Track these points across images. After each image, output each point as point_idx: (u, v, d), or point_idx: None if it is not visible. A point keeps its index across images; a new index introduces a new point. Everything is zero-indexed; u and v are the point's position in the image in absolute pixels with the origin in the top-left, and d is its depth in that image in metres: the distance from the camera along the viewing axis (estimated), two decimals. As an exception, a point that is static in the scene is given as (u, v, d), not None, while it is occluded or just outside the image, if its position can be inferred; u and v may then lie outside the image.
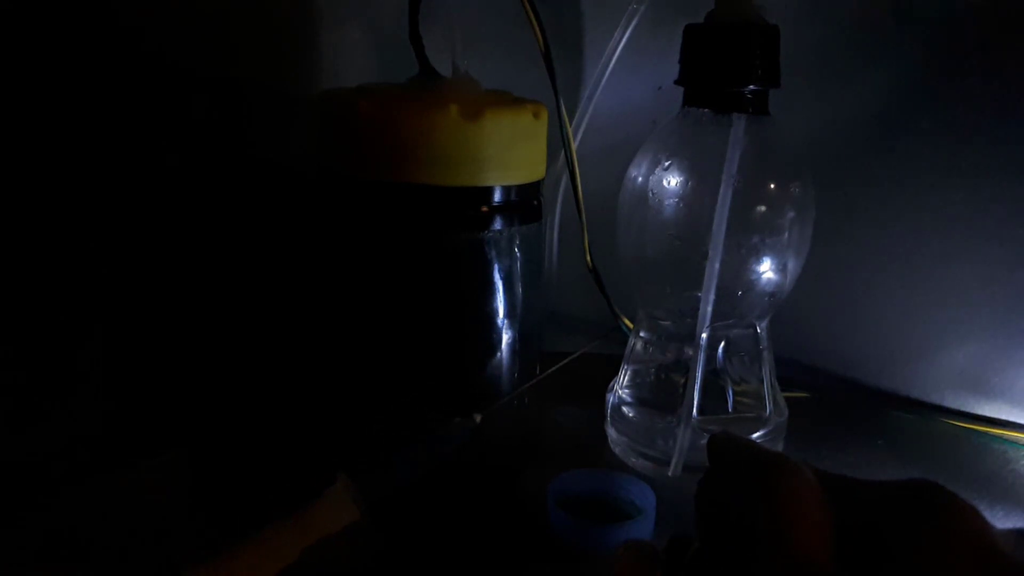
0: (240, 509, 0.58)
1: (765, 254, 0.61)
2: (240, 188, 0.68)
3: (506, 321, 0.59)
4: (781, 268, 0.62)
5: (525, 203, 0.58)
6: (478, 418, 0.53)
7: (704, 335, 0.61)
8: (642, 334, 0.69)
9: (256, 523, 0.46)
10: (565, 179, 0.71)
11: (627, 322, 0.76)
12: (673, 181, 0.62)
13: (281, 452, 0.64)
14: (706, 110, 0.61)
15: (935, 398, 0.75)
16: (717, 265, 0.59)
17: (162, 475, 0.62)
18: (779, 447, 0.65)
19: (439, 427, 0.52)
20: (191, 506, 0.59)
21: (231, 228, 0.68)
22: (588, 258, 0.73)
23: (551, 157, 0.62)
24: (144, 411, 0.65)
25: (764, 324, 0.66)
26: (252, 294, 0.70)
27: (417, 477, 0.50)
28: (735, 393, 0.65)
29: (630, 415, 0.68)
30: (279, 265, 0.71)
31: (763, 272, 0.62)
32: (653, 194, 0.63)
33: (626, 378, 0.69)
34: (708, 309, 0.60)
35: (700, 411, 0.62)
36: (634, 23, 0.71)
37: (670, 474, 0.63)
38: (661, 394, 0.66)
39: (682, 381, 0.64)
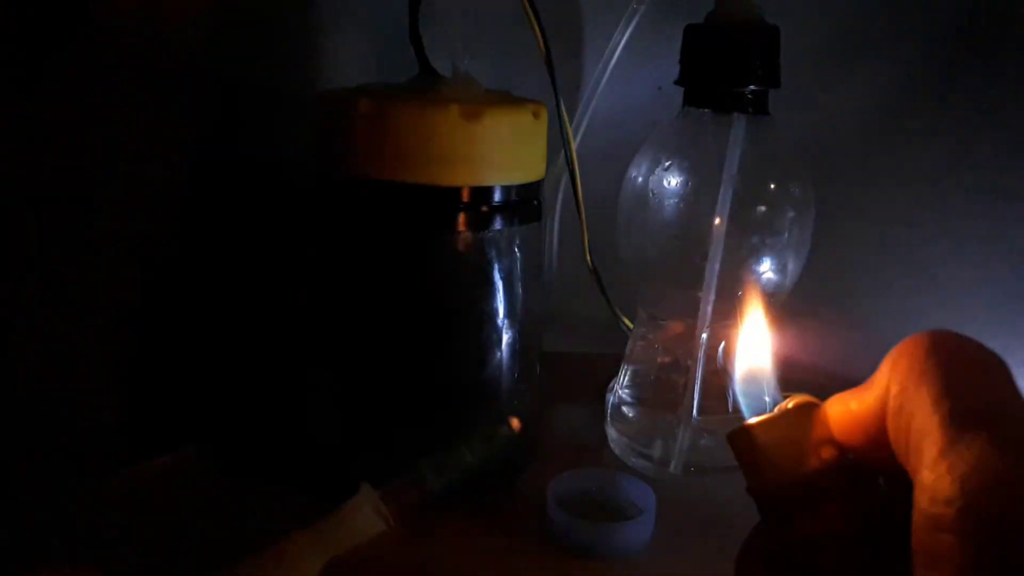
0: (253, 507, 0.59)
1: (765, 254, 0.62)
2: (239, 190, 0.68)
3: (506, 321, 0.59)
4: (781, 268, 0.63)
5: (525, 203, 0.59)
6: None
7: (704, 335, 0.62)
8: (642, 334, 0.69)
9: (272, 531, 0.46)
10: (565, 179, 0.71)
11: (627, 322, 0.76)
12: (673, 181, 0.62)
13: (290, 452, 0.64)
14: (706, 110, 0.62)
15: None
16: (717, 265, 0.60)
17: (174, 472, 0.62)
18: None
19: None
20: (204, 504, 0.59)
21: (231, 230, 0.68)
22: (588, 258, 0.73)
23: (551, 157, 0.62)
24: (154, 409, 0.65)
25: (764, 324, 0.65)
26: (252, 295, 0.70)
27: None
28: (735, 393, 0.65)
29: (630, 415, 0.68)
30: (278, 266, 0.71)
31: (763, 272, 0.63)
32: (653, 194, 0.63)
33: (626, 378, 0.69)
34: (708, 309, 0.61)
35: (700, 411, 0.62)
36: (634, 23, 0.71)
37: (670, 474, 0.63)
38: (661, 394, 0.66)
39: (682, 381, 0.64)
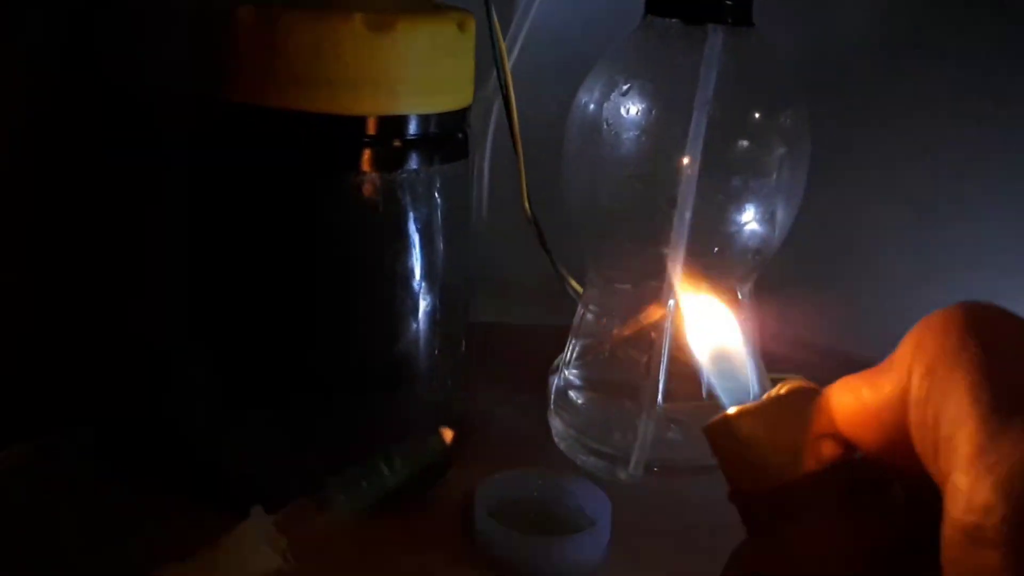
0: (123, 513, 0.57)
1: (748, 200, 0.61)
2: (98, 121, 0.67)
3: (423, 284, 0.58)
4: (768, 218, 0.62)
5: (448, 136, 0.58)
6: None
7: (672, 301, 0.60)
8: (594, 301, 0.68)
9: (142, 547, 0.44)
10: (497, 107, 0.70)
11: (575, 285, 0.75)
12: (633, 109, 0.61)
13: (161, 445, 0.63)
14: (674, 20, 0.61)
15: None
16: (688, 214, 0.58)
17: (32, 466, 0.61)
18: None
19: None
20: (66, 506, 0.58)
21: (86, 169, 0.67)
22: (526, 205, 0.71)
23: (480, 79, 0.61)
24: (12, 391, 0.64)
25: (746, 289, 0.65)
26: (114, 248, 0.69)
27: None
28: (710, 374, 0.64)
29: (579, 402, 0.67)
30: (144, 212, 0.70)
31: (745, 223, 0.61)
32: (608, 125, 0.62)
33: (574, 356, 0.68)
34: (677, 269, 0.59)
35: (666, 396, 0.61)
36: (584, -90, 0.70)
37: (628, 475, 0.62)
38: (618, 375, 0.65)
39: (644, 359, 0.62)
